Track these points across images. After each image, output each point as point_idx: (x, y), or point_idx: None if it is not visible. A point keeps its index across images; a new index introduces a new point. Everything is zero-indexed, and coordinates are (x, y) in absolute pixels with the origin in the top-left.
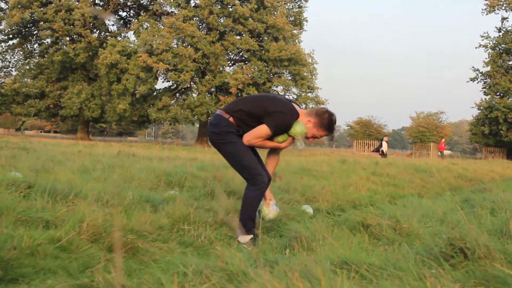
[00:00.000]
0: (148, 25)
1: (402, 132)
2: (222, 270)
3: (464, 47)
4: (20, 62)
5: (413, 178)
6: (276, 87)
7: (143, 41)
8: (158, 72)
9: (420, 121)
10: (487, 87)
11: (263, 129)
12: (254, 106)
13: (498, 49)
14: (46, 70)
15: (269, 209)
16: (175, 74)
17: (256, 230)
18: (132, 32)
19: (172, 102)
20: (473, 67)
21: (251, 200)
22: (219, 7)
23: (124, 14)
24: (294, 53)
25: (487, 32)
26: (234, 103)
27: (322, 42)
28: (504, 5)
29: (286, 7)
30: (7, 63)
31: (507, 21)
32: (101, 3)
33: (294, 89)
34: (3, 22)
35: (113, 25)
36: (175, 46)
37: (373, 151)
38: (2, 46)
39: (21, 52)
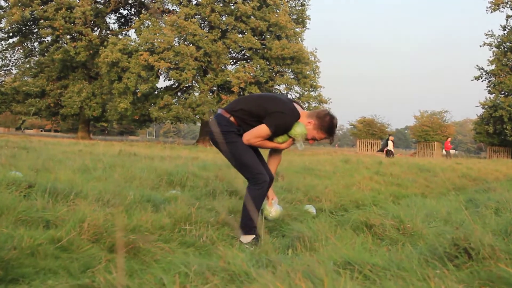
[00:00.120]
0: (150, 23)
1: (406, 131)
2: (224, 271)
3: (469, 45)
4: (20, 61)
5: (416, 177)
6: (278, 85)
7: (145, 39)
8: (159, 71)
9: (424, 120)
10: (491, 85)
11: (262, 129)
12: (255, 105)
13: (502, 48)
14: (47, 69)
15: (272, 208)
16: (177, 73)
17: (258, 230)
18: (133, 30)
19: (174, 101)
20: (477, 65)
21: (253, 199)
22: (221, 5)
23: (125, 12)
24: (297, 51)
25: (491, 30)
26: (235, 102)
27: (325, 40)
28: (509, 3)
29: (289, 5)
30: (7, 62)
31: None
32: (101, 1)
33: (296, 88)
34: (3, 20)
35: (114, 23)
36: (177, 44)
37: (378, 151)
38: (2, 44)
39: (22, 51)
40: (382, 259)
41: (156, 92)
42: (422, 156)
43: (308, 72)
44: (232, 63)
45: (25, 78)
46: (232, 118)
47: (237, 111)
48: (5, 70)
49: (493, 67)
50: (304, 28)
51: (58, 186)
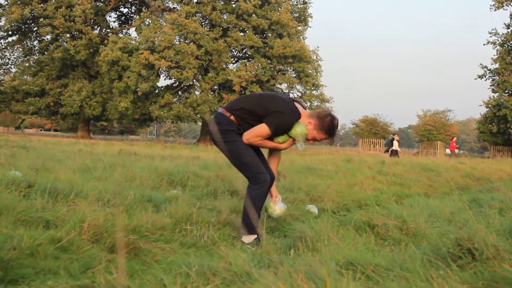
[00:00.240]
0: (150, 21)
1: (409, 130)
2: (226, 271)
3: (473, 44)
4: (19, 59)
5: (420, 177)
6: (280, 84)
7: (145, 37)
8: (160, 70)
9: (427, 119)
10: (495, 84)
11: (262, 128)
12: (255, 104)
13: (506, 46)
14: (46, 67)
15: (276, 206)
16: (178, 72)
17: (260, 230)
18: (133, 28)
19: (175, 100)
20: (481, 64)
21: (253, 199)
22: (222, 3)
23: (125, 10)
24: (299, 50)
25: (495, 29)
26: (235, 101)
27: (327, 39)
28: None
29: (291, 3)
30: (7, 60)
31: None
32: None
33: (298, 87)
34: (3, 19)
35: (114, 21)
36: (178, 43)
37: (385, 151)
38: (1, 43)
39: (21, 49)
40: (385, 259)
41: (156, 91)
42: (425, 155)
43: (310, 71)
44: (233, 61)
45: (25, 77)
46: (232, 117)
47: (237, 110)
48: (4, 69)
49: (497, 65)
50: (306, 27)
51: (58, 186)
